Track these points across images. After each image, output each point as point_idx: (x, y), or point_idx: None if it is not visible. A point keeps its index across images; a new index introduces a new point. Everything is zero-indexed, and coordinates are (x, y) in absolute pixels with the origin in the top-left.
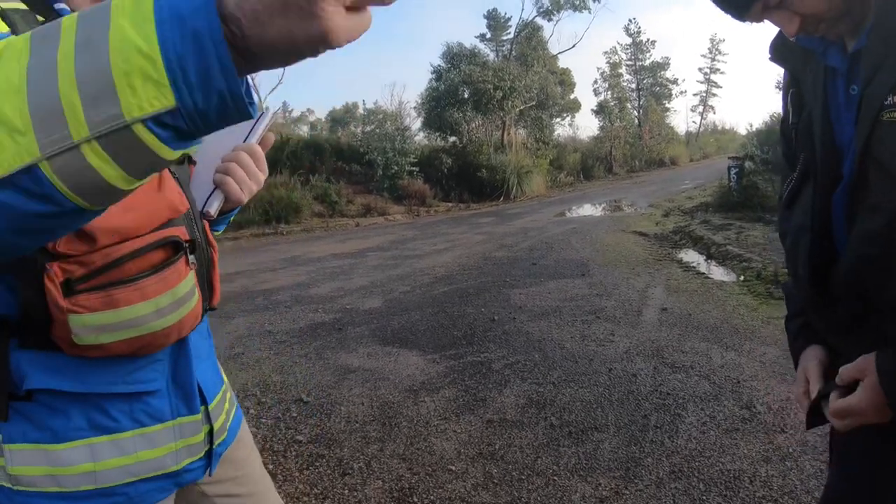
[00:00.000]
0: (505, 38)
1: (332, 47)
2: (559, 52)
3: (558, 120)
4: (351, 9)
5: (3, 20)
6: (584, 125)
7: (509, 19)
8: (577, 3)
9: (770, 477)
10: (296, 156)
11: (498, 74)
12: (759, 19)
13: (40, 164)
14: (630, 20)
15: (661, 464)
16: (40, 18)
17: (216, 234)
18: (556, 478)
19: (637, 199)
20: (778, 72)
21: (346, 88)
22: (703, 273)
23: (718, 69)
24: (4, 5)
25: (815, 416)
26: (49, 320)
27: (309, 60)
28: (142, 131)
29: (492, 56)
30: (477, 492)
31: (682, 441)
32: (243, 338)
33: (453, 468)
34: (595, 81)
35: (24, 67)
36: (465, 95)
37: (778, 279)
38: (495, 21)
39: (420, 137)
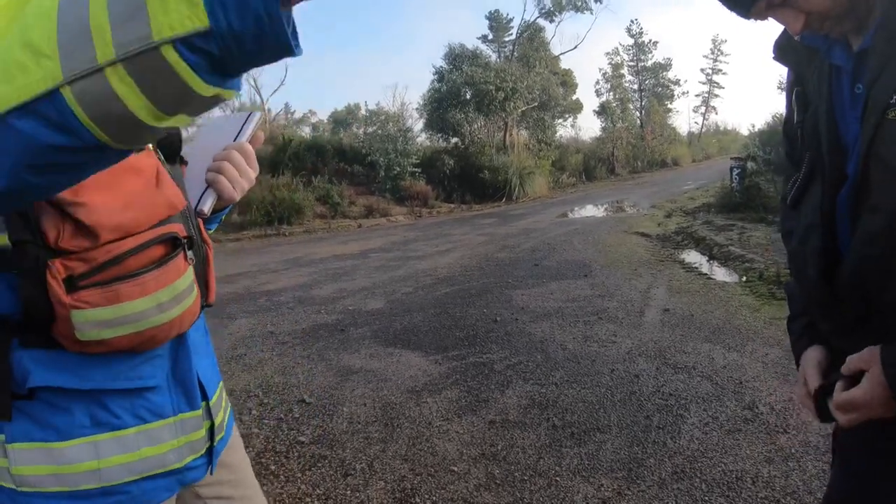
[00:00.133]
0: (507, 39)
1: None
2: (561, 53)
3: (560, 121)
4: None
5: None
6: (587, 126)
7: (511, 20)
8: (579, 4)
9: (772, 477)
10: (298, 157)
11: (500, 75)
12: (763, 17)
13: (62, 88)
14: (632, 21)
15: (663, 464)
16: None
17: (209, 232)
18: (558, 478)
19: (639, 199)
20: (780, 72)
21: (349, 90)
22: (706, 274)
23: (720, 70)
24: None
25: (825, 410)
26: (51, 318)
27: (310, 60)
28: (170, 54)
29: (494, 57)
30: (479, 492)
31: (684, 442)
32: (245, 339)
33: (455, 469)
34: (597, 82)
35: None
36: (468, 96)
37: (780, 280)
38: (497, 22)
39: (422, 139)
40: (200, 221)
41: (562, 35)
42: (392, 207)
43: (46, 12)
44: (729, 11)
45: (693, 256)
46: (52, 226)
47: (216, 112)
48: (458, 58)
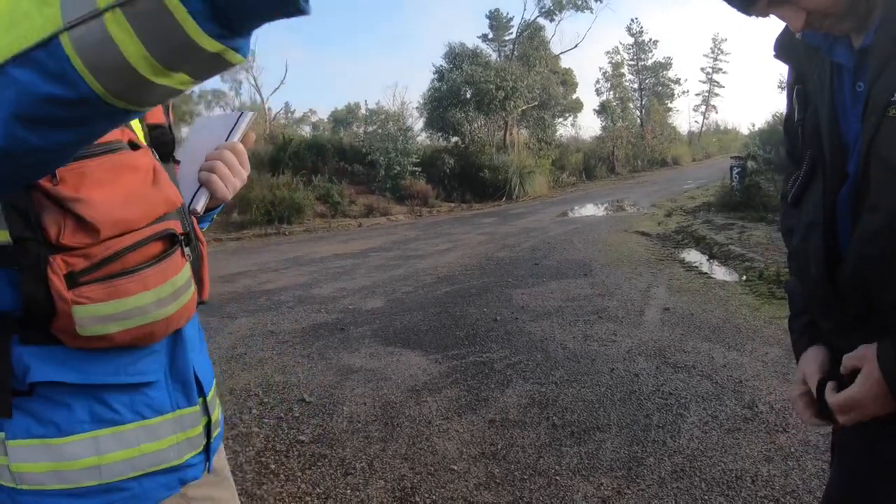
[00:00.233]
0: (507, 38)
1: None
2: (561, 52)
3: (560, 120)
4: None
5: None
6: (587, 125)
7: (511, 19)
8: (579, 3)
9: (772, 476)
10: (298, 156)
11: (500, 74)
12: (764, 14)
13: (60, 35)
14: (632, 20)
15: (663, 463)
16: None
17: (202, 230)
18: (558, 477)
19: (639, 198)
20: (780, 71)
21: (348, 89)
22: (706, 273)
23: (721, 69)
24: None
25: (825, 408)
26: (51, 314)
27: (310, 59)
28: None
29: (494, 56)
30: (479, 491)
31: (684, 441)
32: (246, 338)
33: (455, 468)
34: (597, 81)
35: None
36: (468, 95)
37: (780, 279)
38: (497, 21)
39: (422, 138)
40: (194, 220)
41: (562, 34)
42: (392, 206)
43: None
44: (730, 8)
45: (693, 255)
46: (53, 222)
47: (215, 112)
48: (458, 57)
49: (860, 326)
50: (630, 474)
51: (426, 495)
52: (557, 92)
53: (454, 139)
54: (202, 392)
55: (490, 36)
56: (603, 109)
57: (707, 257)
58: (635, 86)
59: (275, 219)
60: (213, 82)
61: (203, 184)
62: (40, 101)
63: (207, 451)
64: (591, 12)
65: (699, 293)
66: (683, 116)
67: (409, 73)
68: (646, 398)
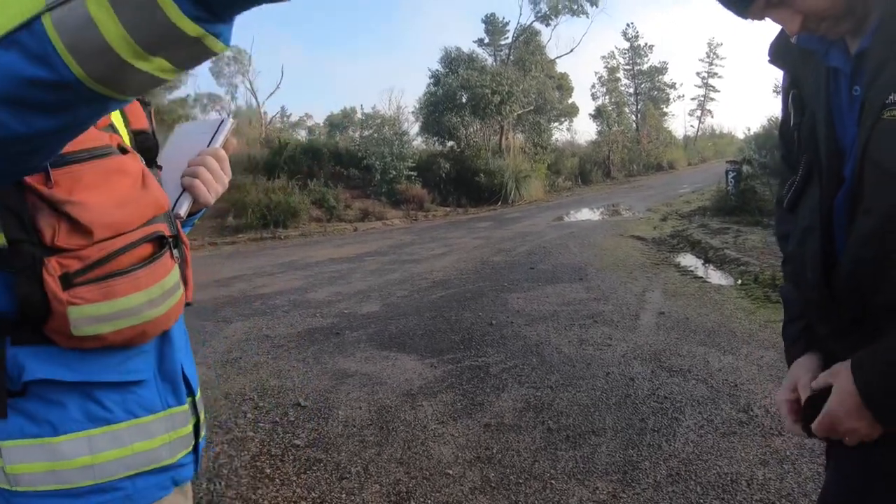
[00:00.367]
0: (503, 42)
1: None
2: (557, 57)
3: (556, 124)
4: None
5: None
6: (582, 130)
7: (507, 24)
8: (575, 7)
9: (767, 480)
10: (294, 160)
11: (496, 79)
12: (760, 17)
13: (42, 16)
14: (628, 25)
15: (658, 467)
16: None
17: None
18: (553, 482)
19: (635, 203)
20: (776, 76)
21: (344, 93)
22: (701, 277)
23: (716, 73)
24: None
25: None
26: (46, 315)
27: (306, 63)
28: None
29: (490, 61)
30: (474, 496)
31: (679, 445)
32: (241, 342)
33: (451, 472)
34: (593, 86)
35: None
36: (464, 100)
37: (776, 283)
38: (493, 26)
39: (418, 142)
40: (178, 223)
41: (558, 38)
42: (388, 211)
43: None
44: (726, 11)
45: (688, 260)
46: (47, 224)
47: (210, 115)
48: (454, 61)
49: (856, 330)
50: (625, 478)
51: (421, 499)
52: (553, 96)
53: (450, 143)
54: (191, 391)
55: (486, 40)
56: (599, 114)
57: (702, 261)
58: (631, 90)
59: (270, 223)
60: (210, 86)
61: (186, 189)
62: (23, 83)
63: (196, 452)
64: (587, 17)
65: (694, 297)
66: (679, 121)
67: (404, 75)
68: (641, 402)
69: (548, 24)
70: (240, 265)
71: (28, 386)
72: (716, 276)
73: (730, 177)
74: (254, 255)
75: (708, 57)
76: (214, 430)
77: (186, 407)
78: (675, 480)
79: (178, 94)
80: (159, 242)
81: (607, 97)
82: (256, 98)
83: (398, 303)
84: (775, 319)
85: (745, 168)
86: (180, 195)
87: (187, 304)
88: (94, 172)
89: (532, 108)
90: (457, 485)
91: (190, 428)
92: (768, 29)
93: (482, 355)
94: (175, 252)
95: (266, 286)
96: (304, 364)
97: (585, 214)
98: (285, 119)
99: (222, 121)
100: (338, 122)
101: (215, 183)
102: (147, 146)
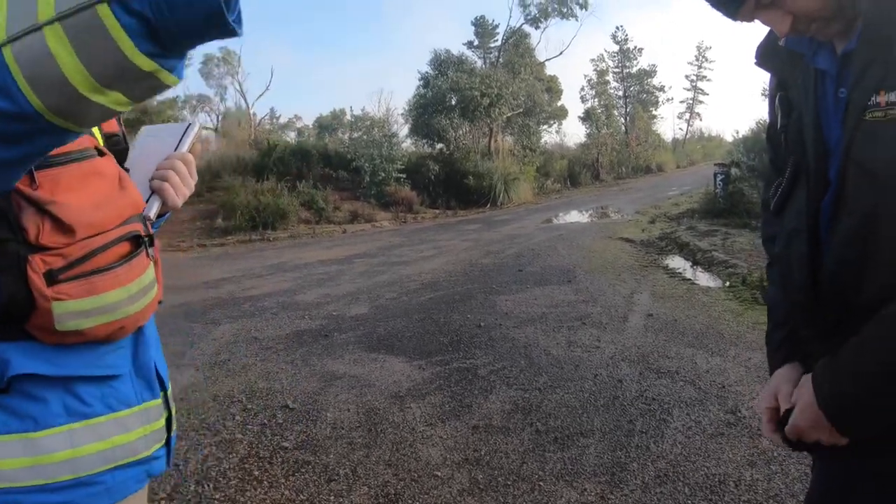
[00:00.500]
0: (492, 45)
1: None
2: (546, 60)
3: (545, 127)
4: None
5: None
6: (571, 132)
7: (497, 26)
8: (565, 10)
9: (755, 481)
10: (283, 162)
11: (485, 81)
12: (750, 18)
13: (3, 48)
14: (617, 28)
15: (646, 469)
16: None
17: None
18: (541, 483)
19: (624, 205)
20: (764, 79)
21: (334, 95)
22: (689, 279)
23: (705, 76)
24: None
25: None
26: (29, 311)
27: (295, 65)
28: (106, 14)
29: (479, 63)
30: (463, 497)
31: (667, 446)
32: (230, 344)
33: (439, 474)
34: (582, 88)
35: None
36: (453, 102)
37: (763, 284)
38: (483, 28)
39: (407, 144)
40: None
41: (547, 41)
42: (377, 213)
43: None
44: (716, 13)
45: (677, 262)
46: (32, 223)
47: (201, 117)
48: (443, 64)
49: (840, 332)
50: (613, 480)
51: (409, 501)
52: (542, 99)
53: (439, 146)
54: (163, 386)
55: (475, 43)
56: (588, 116)
57: (691, 263)
58: (620, 93)
59: (259, 225)
60: (199, 87)
61: (156, 191)
62: None
63: (168, 445)
64: (577, 20)
65: (683, 299)
66: (668, 123)
67: (394, 77)
68: (629, 404)
69: (537, 27)
70: (228, 267)
71: (13, 381)
72: (704, 279)
73: (718, 179)
74: (242, 257)
75: (697, 60)
76: (202, 432)
77: (160, 401)
78: (663, 481)
79: (168, 95)
80: (136, 241)
81: (596, 100)
82: (246, 99)
83: (387, 305)
84: (763, 321)
85: (733, 171)
86: (149, 197)
87: (159, 303)
88: (74, 174)
89: (521, 110)
90: (445, 487)
91: (163, 422)
92: (757, 32)
93: (470, 357)
94: (150, 251)
95: (255, 288)
96: (292, 366)
97: (574, 217)
98: (274, 121)
99: (189, 125)
100: (327, 124)
101: (183, 187)
102: (118, 149)
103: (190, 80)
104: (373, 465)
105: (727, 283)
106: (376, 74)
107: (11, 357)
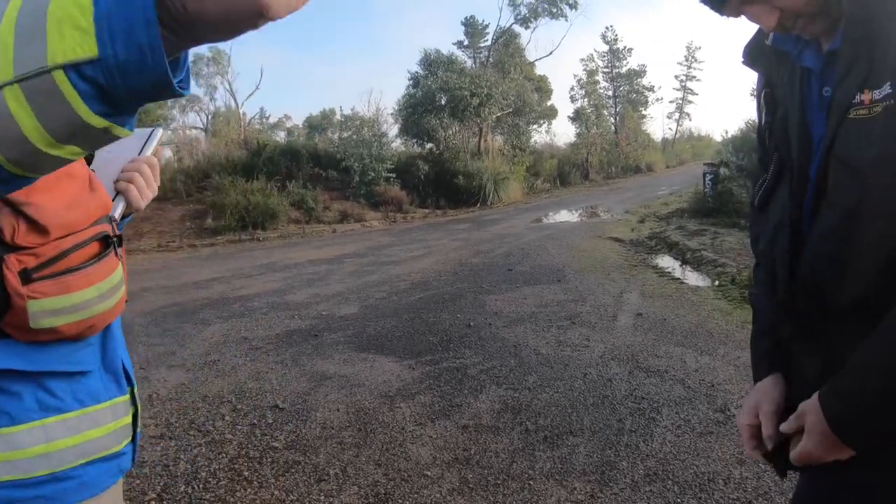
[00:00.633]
0: (482, 45)
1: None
2: (536, 60)
3: (535, 127)
4: None
5: None
6: (561, 132)
7: (487, 26)
8: (555, 10)
9: (744, 479)
10: (272, 162)
11: (475, 81)
12: (736, 13)
13: None
14: (607, 28)
15: (635, 467)
16: None
17: None
18: (531, 482)
19: (613, 205)
20: (753, 79)
21: (323, 95)
22: (678, 278)
23: (694, 76)
24: None
25: (784, 462)
26: (4, 309)
27: (285, 64)
28: (62, 80)
29: (469, 63)
30: (453, 497)
31: (656, 445)
32: (219, 344)
33: (429, 473)
34: (572, 88)
35: None
36: (443, 102)
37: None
38: (473, 28)
39: (397, 144)
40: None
41: (537, 41)
42: (367, 212)
43: None
44: (704, 8)
45: (666, 261)
46: (7, 223)
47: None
48: (433, 63)
49: (820, 330)
50: (603, 478)
51: (400, 501)
52: (532, 99)
53: (429, 145)
54: (130, 383)
55: (465, 43)
56: (577, 116)
57: (680, 263)
58: (609, 93)
59: (249, 224)
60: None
61: (121, 193)
62: None
63: (134, 442)
64: (566, 20)
65: (672, 298)
66: (657, 123)
67: (384, 76)
68: (619, 403)
69: (527, 27)
70: (218, 267)
71: None
72: (693, 278)
73: (707, 179)
74: (232, 257)
75: (686, 60)
76: (192, 432)
77: (128, 397)
78: (653, 480)
79: None
80: (105, 242)
81: (586, 100)
82: (235, 99)
83: (377, 304)
84: (752, 320)
85: (722, 170)
86: (114, 199)
87: (126, 302)
88: (47, 176)
89: (511, 110)
90: (435, 486)
91: (129, 419)
92: (745, 33)
93: (460, 357)
94: (119, 251)
95: (244, 288)
96: (282, 366)
97: (564, 216)
98: (264, 120)
99: (153, 130)
100: (317, 124)
101: (147, 189)
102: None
103: None
104: (363, 465)
105: (716, 283)
106: (366, 74)
107: None
